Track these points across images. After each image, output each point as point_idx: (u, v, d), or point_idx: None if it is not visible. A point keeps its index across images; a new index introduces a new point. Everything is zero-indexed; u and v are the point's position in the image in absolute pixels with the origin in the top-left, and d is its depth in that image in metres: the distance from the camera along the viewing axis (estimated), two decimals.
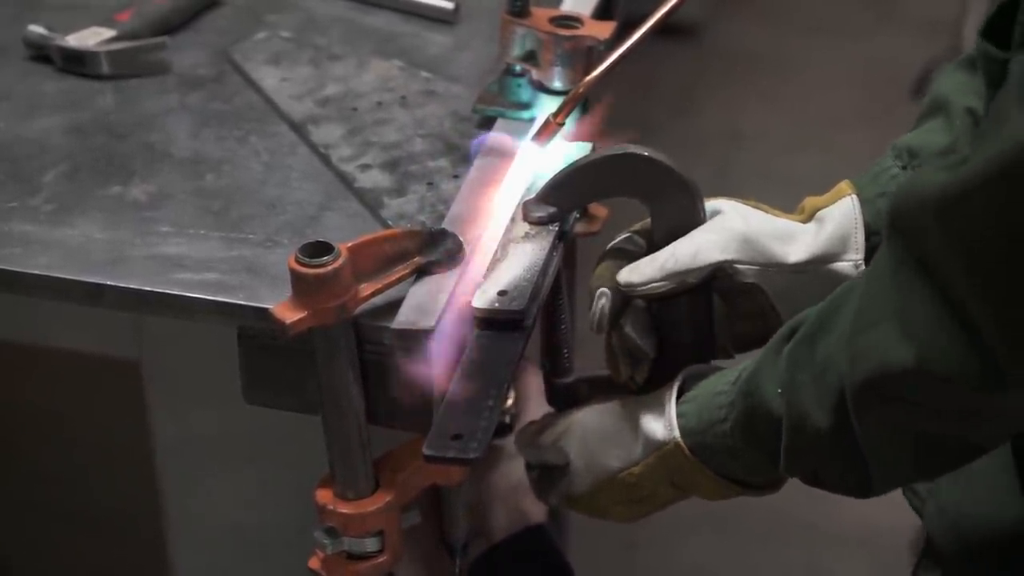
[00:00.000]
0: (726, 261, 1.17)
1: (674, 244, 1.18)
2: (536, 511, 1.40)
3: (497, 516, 1.40)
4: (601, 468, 1.21)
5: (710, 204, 1.21)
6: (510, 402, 1.41)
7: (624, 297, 1.20)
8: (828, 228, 1.19)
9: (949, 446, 0.99)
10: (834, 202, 1.20)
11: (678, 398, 1.17)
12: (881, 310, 0.96)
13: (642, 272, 1.19)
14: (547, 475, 1.27)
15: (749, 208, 1.21)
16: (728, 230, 1.18)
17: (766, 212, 1.21)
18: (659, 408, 1.17)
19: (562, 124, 1.27)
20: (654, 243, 1.21)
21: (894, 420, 0.98)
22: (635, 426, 1.19)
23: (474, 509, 1.38)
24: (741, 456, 1.13)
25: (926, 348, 0.92)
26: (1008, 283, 0.88)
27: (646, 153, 1.19)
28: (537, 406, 1.41)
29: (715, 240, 1.17)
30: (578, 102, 1.27)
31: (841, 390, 0.99)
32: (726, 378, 1.14)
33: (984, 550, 1.12)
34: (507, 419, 1.38)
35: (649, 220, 1.23)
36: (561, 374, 1.31)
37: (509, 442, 1.38)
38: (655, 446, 1.17)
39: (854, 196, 1.20)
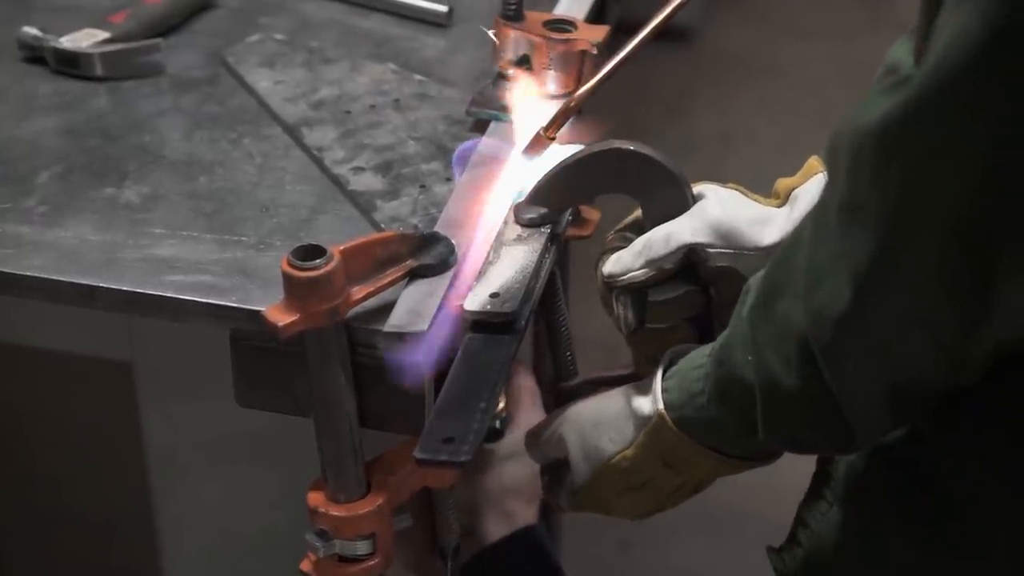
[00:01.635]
0: (698, 244, 1.17)
1: (650, 232, 1.19)
2: (526, 514, 1.40)
3: (487, 520, 1.40)
4: (596, 454, 1.20)
5: (695, 189, 1.21)
6: (500, 406, 1.40)
7: (642, 293, 1.20)
8: (800, 208, 1.18)
9: (922, 394, 0.99)
10: (805, 180, 1.20)
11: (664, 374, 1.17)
12: (829, 259, 0.95)
13: (621, 262, 1.19)
14: (555, 476, 1.27)
15: (729, 193, 1.21)
16: (702, 214, 1.18)
17: (744, 196, 1.21)
18: (648, 387, 1.17)
19: (553, 138, 1.25)
20: None
21: (871, 373, 0.97)
22: (627, 408, 1.19)
23: (465, 513, 1.38)
24: (723, 427, 1.12)
25: (865, 288, 0.93)
26: (949, 217, 0.87)
27: (631, 147, 1.20)
28: (529, 411, 1.40)
29: (688, 225, 1.18)
30: (570, 116, 1.26)
31: (806, 350, 0.99)
32: (704, 351, 1.13)
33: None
34: (497, 424, 1.38)
35: (636, 214, 1.23)
36: (566, 377, 1.31)
37: (499, 446, 1.38)
38: (643, 422, 1.16)
39: (824, 173, 1.19)
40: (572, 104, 1.25)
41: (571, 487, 1.24)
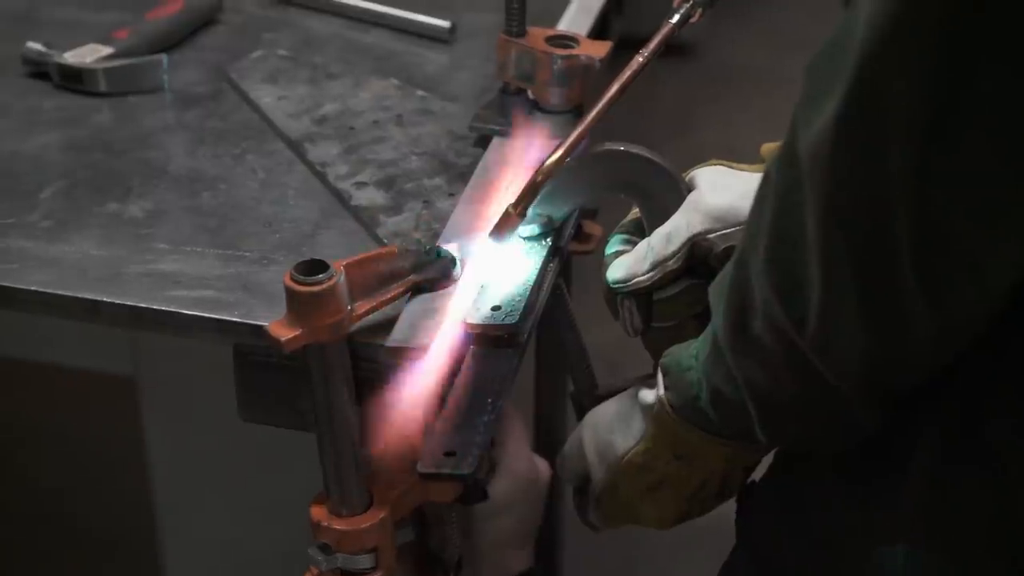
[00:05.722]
0: (697, 234, 1.17)
1: (650, 236, 1.19)
2: (519, 560, 1.39)
3: (482, 573, 1.39)
4: (611, 453, 1.20)
5: (688, 178, 1.21)
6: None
7: (647, 295, 1.20)
8: None
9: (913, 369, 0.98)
10: None
11: None
12: (797, 266, 0.93)
13: (626, 267, 1.19)
14: (583, 493, 1.26)
15: (715, 172, 1.20)
16: (695, 205, 1.17)
17: (730, 170, 1.19)
18: (654, 382, 1.16)
19: (522, 215, 1.20)
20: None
21: (877, 373, 0.96)
22: (635, 403, 1.18)
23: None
24: (723, 428, 1.11)
25: (836, 289, 0.91)
26: (915, 204, 0.85)
27: (622, 148, 1.20)
28: (516, 461, 1.38)
29: (684, 219, 1.17)
30: (537, 191, 1.20)
31: (794, 359, 0.97)
32: (689, 351, 1.12)
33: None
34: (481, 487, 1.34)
35: (636, 213, 1.23)
36: (585, 390, 1.30)
37: (486, 505, 1.36)
38: (648, 413, 1.16)
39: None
40: (539, 180, 1.19)
41: (594, 496, 1.24)
